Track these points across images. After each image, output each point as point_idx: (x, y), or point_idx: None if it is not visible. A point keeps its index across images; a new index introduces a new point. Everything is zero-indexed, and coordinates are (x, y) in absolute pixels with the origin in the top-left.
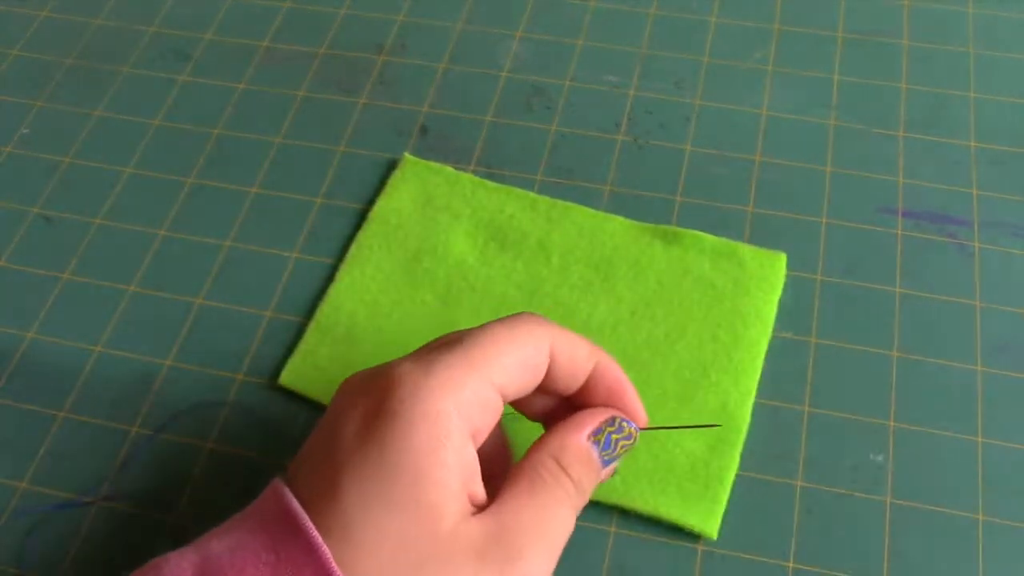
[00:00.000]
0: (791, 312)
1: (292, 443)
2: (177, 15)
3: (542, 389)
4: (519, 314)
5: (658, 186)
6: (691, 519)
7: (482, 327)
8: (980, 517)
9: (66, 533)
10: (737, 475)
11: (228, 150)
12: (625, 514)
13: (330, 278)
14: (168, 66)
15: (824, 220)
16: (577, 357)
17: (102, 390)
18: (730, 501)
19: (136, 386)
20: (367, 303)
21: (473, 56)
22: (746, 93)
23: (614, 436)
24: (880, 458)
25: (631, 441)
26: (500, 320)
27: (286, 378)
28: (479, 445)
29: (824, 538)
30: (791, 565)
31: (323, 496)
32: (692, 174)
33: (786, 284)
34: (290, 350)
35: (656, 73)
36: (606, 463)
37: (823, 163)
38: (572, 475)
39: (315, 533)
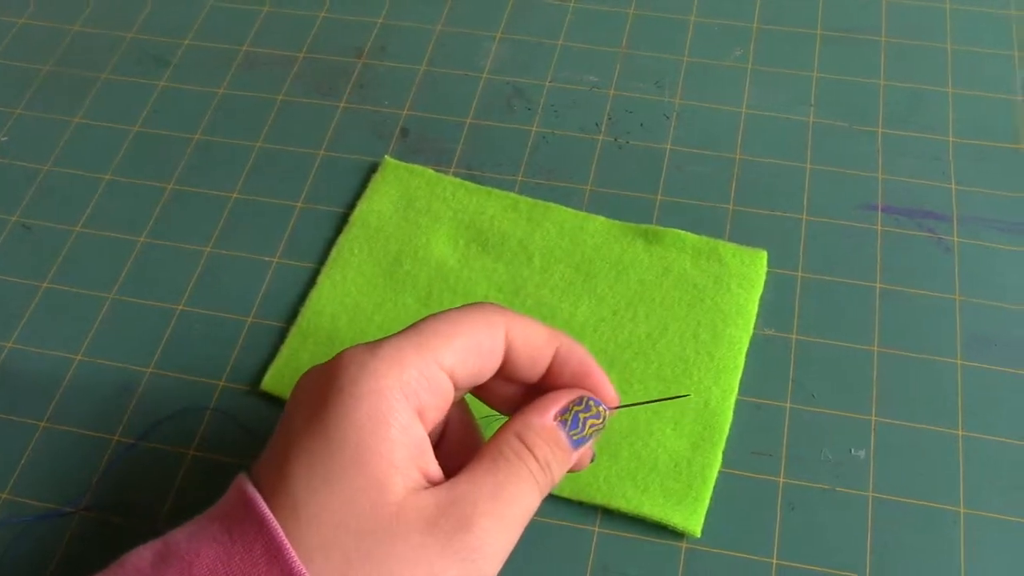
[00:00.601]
0: (772, 309)
1: None
2: (156, 21)
3: (505, 376)
4: (476, 303)
5: (639, 185)
6: (674, 517)
7: (435, 313)
8: (961, 510)
9: (48, 544)
10: (720, 472)
11: (208, 155)
12: (609, 513)
13: (311, 282)
14: (147, 72)
15: (804, 217)
16: (535, 342)
17: (83, 399)
18: (713, 498)
19: (117, 394)
20: (349, 307)
21: (453, 58)
22: (726, 92)
23: (582, 415)
24: (862, 453)
25: (601, 420)
26: (455, 307)
27: (268, 383)
28: (431, 426)
29: (807, 533)
30: (775, 561)
31: (275, 477)
32: (672, 173)
33: (767, 281)
34: (272, 355)
35: (636, 73)
36: (576, 443)
37: (803, 160)
38: (537, 454)
39: (265, 509)
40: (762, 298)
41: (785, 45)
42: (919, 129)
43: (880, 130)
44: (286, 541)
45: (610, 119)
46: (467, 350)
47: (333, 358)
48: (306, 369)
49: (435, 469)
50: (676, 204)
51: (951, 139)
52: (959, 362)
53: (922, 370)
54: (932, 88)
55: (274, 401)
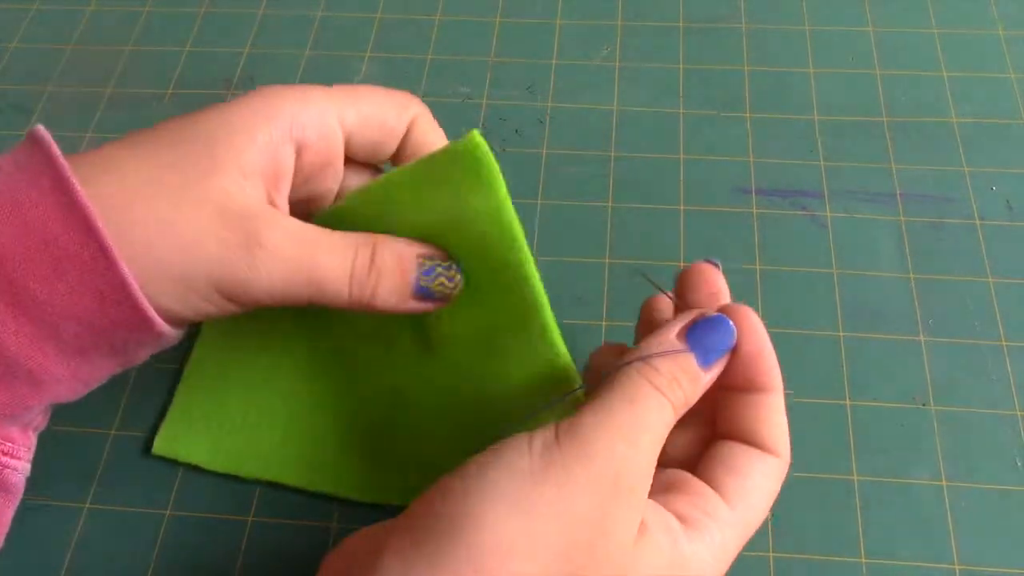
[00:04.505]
0: None
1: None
2: (14, 69)
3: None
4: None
5: (518, 191)
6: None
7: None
8: (855, 478)
9: None
10: None
11: None
12: None
13: (194, 335)
14: (9, 122)
15: (682, 207)
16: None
17: None
18: None
19: None
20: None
21: (324, 81)
22: (597, 91)
23: (439, 268)
24: None
25: (453, 280)
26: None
27: (159, 446)
28: (307, 169)
29: None
30: None
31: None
32: (551, 176)
33: (653, 273)
34: (162, 414)
35: (507, 80)
36: (421, 291)
37: (676, 151)
38: (378, 255)
39: (40, 128)
40: (649, 290)
41: (650, 40)
42: (785, 110)
43: (748, 115)
44: (70, 173)
45: (485, 128)
46: (369, 120)
47: None
48: (199, 426)
49: (283, 203)
50: (556, 207)
51: (816, 117)
52: (840, 334)
53: (807, 346)
54: (794, 69)
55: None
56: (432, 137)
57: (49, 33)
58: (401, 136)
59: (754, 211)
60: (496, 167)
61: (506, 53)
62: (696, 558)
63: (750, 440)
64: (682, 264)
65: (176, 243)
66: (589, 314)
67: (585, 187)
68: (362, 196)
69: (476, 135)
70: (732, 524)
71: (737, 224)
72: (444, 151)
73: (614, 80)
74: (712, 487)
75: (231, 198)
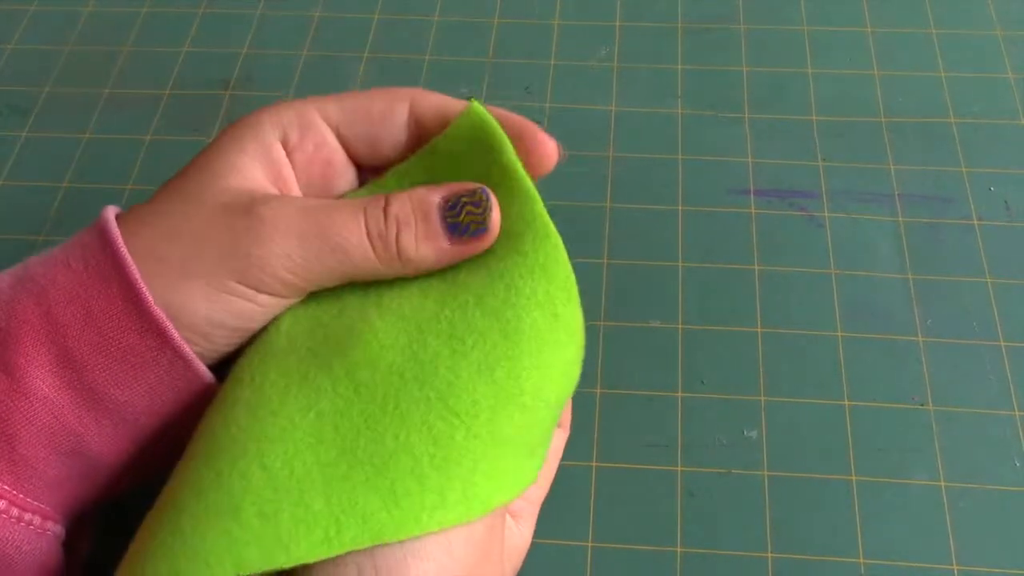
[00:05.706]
0: (658, 300)
1: None
2: (12, 69)
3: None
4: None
5: None
6: None
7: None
8: (853, 478)
9: None
10: (618, 468)
11: (78, 203)
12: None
13: None
14: (7, 123)
15: (680, 208)
16: (449, 112)
17: None
18: (613, 494)
19: None
20: None
21: (321, 82)
22: (595, 92)
23: (464, 200)
24: (754, 434)
25: (481, 211)
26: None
27: None
28: (301, 163)
29: (708, 519)
30: (679, 550)
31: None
32: (549, 176)
33: (651, 274)
34: None
35: (505, 81)
36: (450, 227)
37: (674, 152)
38: (391, 205)
39: (109, 218)
40: (647, 291)
41: (648, 41)
42: (783, 111)
43: (747, 116)
44: (119, 237)
45: None
46: (355, 111)
47: None
48: None
49: (295, 189)
50: (554, 207)
51: (814, 118)
52: (839, 334)
53: (805, 346)
54: (793, 70)
55: None
56: (439, 103)
57: (47, 34)
58: (402, 125)
59: (752, 211)
60: (500, 129)
61: (504, 54)
62: (524, 543)
63: None
64: (682, 264)
65: (189, 243)
66: (587, 315)
67: (583, 187)
68: (369, 189)
69: (475, 103)
70: (539, 499)
71: (735, 224)
72: (447, 131)
73: (612, 81)
74: None
75: (232, 192)
